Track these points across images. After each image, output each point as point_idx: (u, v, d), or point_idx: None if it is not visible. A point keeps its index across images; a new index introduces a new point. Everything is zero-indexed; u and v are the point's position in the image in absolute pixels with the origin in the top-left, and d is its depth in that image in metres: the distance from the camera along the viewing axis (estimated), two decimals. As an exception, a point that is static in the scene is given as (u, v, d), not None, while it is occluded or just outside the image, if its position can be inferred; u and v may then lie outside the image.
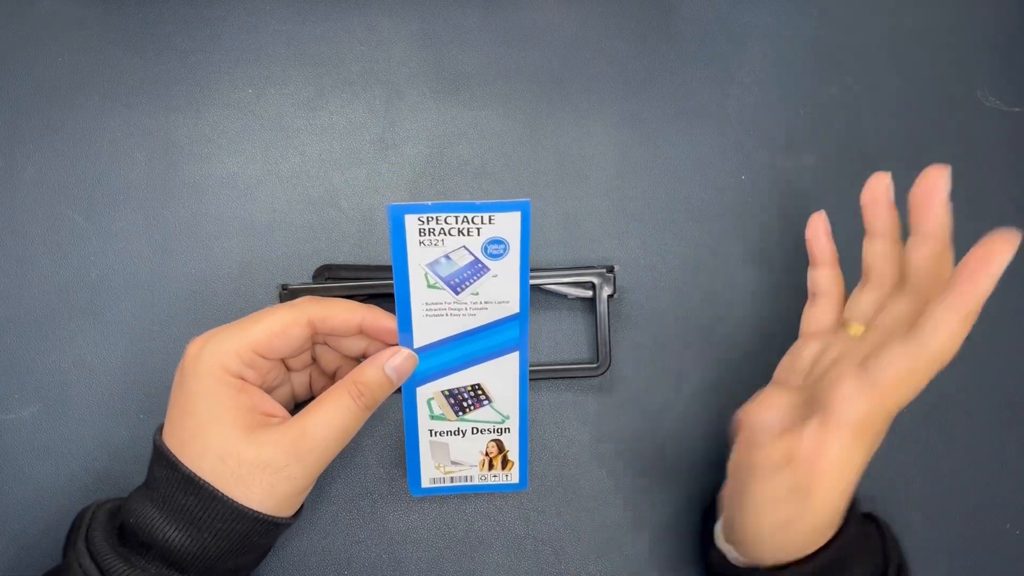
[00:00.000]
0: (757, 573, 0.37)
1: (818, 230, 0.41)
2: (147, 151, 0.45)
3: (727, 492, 0.39)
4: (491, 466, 0.42)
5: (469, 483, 0.42)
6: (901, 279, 0.38)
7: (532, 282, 0.44)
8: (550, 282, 0.44)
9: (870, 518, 0.39)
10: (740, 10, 0.49)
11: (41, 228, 0.45)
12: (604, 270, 0.44)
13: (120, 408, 0.43)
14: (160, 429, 0.35)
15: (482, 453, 0.41)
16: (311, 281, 0.44)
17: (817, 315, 0.41)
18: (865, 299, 0.39)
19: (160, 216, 0.45)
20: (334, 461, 0.44)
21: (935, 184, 0.36)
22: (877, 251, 0.39)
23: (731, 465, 0.38)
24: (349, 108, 0.47)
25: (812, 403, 0.35)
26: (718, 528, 0.40)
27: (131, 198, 0.45)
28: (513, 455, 0.42)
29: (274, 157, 0.46)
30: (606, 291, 0.44)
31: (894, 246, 0.39)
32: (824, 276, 0.41)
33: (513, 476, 0.42)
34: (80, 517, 0.35)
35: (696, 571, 0.44)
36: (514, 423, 0.41)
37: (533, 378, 0.45)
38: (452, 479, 0.42)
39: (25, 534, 0.42)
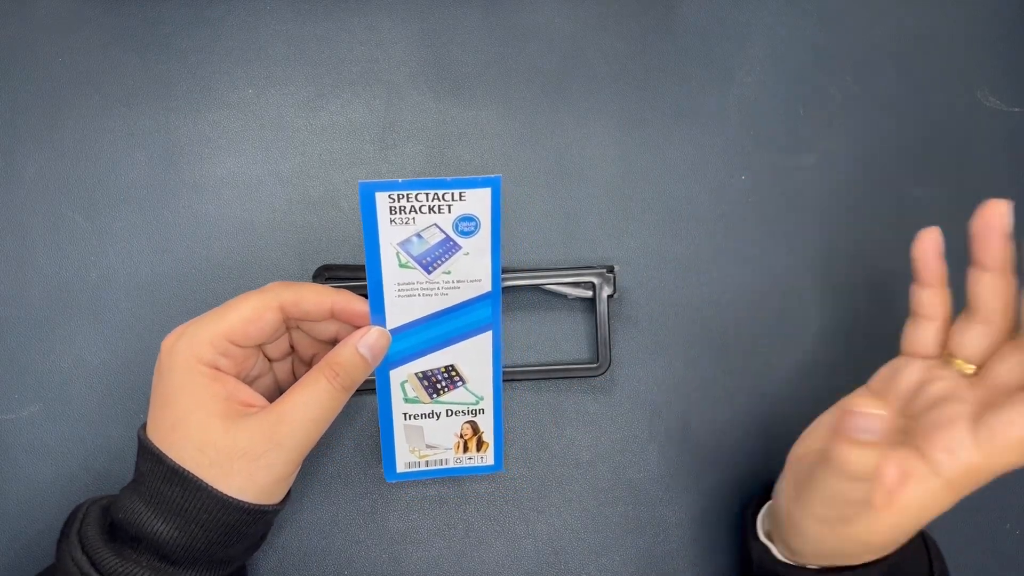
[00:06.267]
0: (805, 573, 0.36)
1: (928, 249, 0.37)
2: (147, 151, 0.45)
3: (786, 481, 0.37)
4: (466, 448, 0.42)
5: (445, 466, 0.42)
6: (1012, 319, 0.35)
7: (532, 282, 0.44)
8: (550, 282, 0.44)
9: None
10: (740, 10, 0.49)
11: (41, 228, 0.45)
12: (604, 270, 0.44)
13: (120, 408, 0.44)
14: (144, 425, 0.36)
15: (457, 435, 0.41)
16: (311, 281, 0.44)
17: (921, 337, 0.38)
18: (973, 334, 0.36)
19: (160, 216, 0.45)
20: (336, 461, 0.44)
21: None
22: (987, 284, 0.35)
23: (799, 450, 0.37)
24: (349, 108, 0.47)
25: (909, 433, 0.34)
26: (760, 519, 0.40)
27: (131, 198, 0.45)
28: (488, 436, 0.42)
29: (274, 157, 0.46)
30: (606, 291, 0.44)
31: (1004, 280, 0.35)
32: (932, 297, 0.38)
33: (488, 458, 0.42)
34: (74, 513, 0.35)
35: (696, 571, 0.44)
36: (488, 404, 0.41)
37: (533, 378, 0.45)
38: (427, 463, 0.42)
39: (24, 534, 0.42)
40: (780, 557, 0.38)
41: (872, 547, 0.35)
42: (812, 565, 0.36)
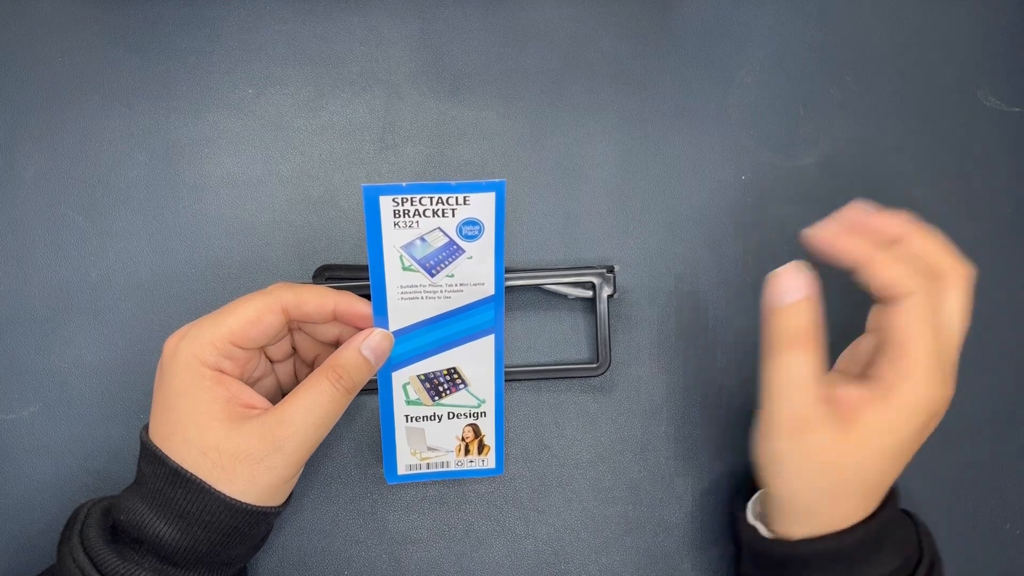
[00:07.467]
0: (791, 545, 0.36)
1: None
2: (147, 151, 0.45)
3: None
4: (467, 451, 0.42)
5: (445, 469, 0.42)
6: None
7: (532, 282, 0.44)
8: (550, 282, 0.44)
9: (907, 514, 0.40)
10: (740, 10, 0.49)
11: (41, 228, 0.45)
12: (604, 270, 0.44)
13: (120, 408, 0.43)
14: (146, 427, 0.36)
15: (458, 438, 0.41)
16: (311, 281, 0.44)
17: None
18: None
19: (160, 216, 0.45)
20: (336, 461, 0.44)
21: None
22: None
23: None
24: (349, 108, 0.47)
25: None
26: (751, 504, 0.40)
27: (131, 198, 0.45)
28: (489, 439, 0.42)
29: (274, 157, 0.46)
30: (606, 291, 0.44)
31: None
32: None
33: (489, 461, 0.42)
34: (75, 514, 0.35)
35: (696, 571, 0.44)
36: (490, 407, 0.41)
37: (534, 378, 0.45)
38: (428, 465, 0.42)
39: (24, 533, 0.42)
40: (765, 534, 0.38)
41: (848, 473, 0.35)
42: (798, 537, 0.36)
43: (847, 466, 0.34)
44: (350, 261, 0.45)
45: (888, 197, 0.47)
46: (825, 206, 0.47)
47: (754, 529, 0.39)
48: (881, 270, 0.35)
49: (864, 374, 0.38)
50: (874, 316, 0.40)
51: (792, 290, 0.36)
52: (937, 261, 0.36)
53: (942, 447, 0.46)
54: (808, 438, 0.34)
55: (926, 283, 0.35)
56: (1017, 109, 0.49)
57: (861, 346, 0.40)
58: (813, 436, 0.34)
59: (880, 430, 0.34)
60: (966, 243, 0.47)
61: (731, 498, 0.44)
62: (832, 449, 0.34)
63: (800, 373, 0.35)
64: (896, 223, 0.37)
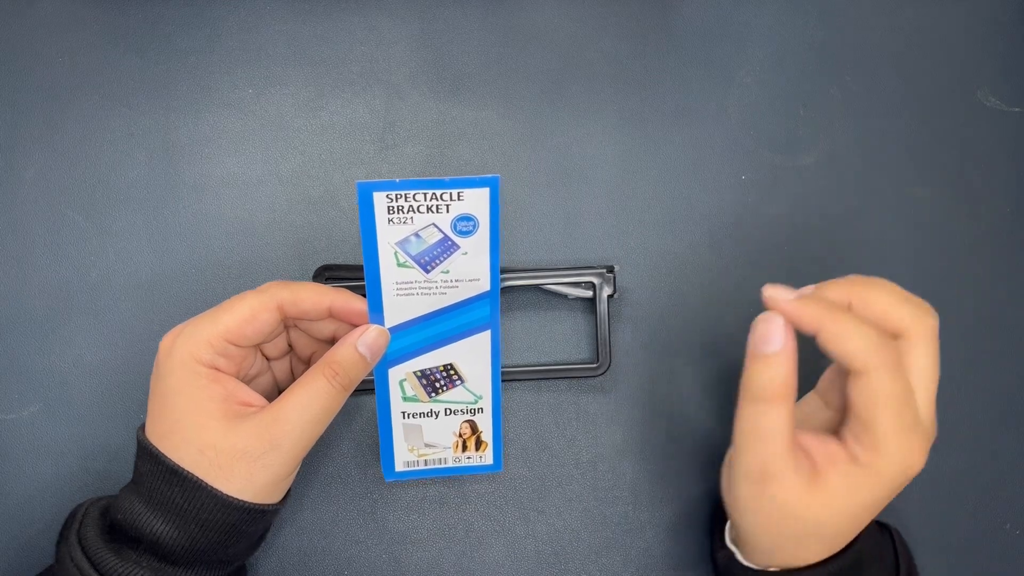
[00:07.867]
0: (766, 575, 0.36)
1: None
2: (147, 151, 0.45)
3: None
4: (465, 448, 0.42)
5: (443, 466, 0.42)
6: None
7: (532, 282, 0.44)
8: (550, 282, 0.44)
9: (882, 526, 0.39)
10: (740, 10, 0.49)
11: (41, 228, 0.45)
12: (604, 270, 0.44)
13: (120, 408, 0.44)
14: (143, 426, 0.36)
15: (456, 435, 0.41)
16: (311, 281, 0.44)
17: None
18: None
19: (160, 216, 0.45)
20: (336, 461, 0.44)
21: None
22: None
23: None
24: (349, 108, 0.47)
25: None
26: (728, 528, 0.40)
27: (131, 198, 0.45)
28: (487, 436, 0.42)
29: (274, 157, 0.46)
30: (606, 291, 0.44)
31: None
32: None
33: (487, 458, 0.42)
34: (73, 514, 0.35)
35: (696, 571, 0.44)
36: (487, 403, 0.41)
37: (533, 378, 0.45)
38: (426, 462, 0.42)
39: (24, 533, 0.42)
40: (743, 561, 0.38)
41: (810, 527, 0.34)
42: (774, 568, 0.36)
43: (808, 520, 0.33)
44: (350, 261, 0.45)
45: (888, 197, 0.48)
46: (825, 206, 0.47)
47: (732, 554, 0.38)
48: (841, 342, 0.32)
49: (835, 430, 0.36)
50: (829, 380, 0.38)
51: (770, 341, 0.34)
52: (897, 320, 0.34)
53: (942, 447, 0.46)
54: (772, 489, 0.33)
55: (887, 355, 0.32)
56: (1017, 109, 0.49)
57: (806, 407, 0.39)
58: (777, 488, 0.33)
59: (845, 493, 0.33)
60: (966, 243, 0.48)
61: (709, 518, 0.44)
62: (795, 502, 0.33)
63: (770, 425, 0.34)
64: (846, 288, 0.35)
